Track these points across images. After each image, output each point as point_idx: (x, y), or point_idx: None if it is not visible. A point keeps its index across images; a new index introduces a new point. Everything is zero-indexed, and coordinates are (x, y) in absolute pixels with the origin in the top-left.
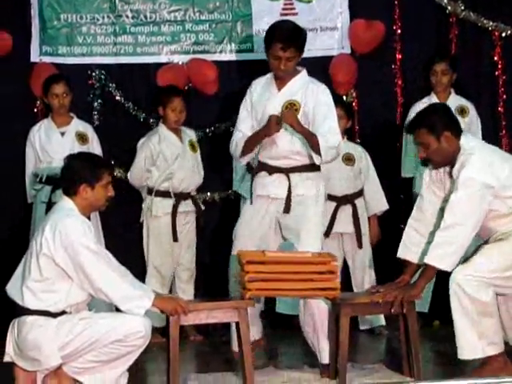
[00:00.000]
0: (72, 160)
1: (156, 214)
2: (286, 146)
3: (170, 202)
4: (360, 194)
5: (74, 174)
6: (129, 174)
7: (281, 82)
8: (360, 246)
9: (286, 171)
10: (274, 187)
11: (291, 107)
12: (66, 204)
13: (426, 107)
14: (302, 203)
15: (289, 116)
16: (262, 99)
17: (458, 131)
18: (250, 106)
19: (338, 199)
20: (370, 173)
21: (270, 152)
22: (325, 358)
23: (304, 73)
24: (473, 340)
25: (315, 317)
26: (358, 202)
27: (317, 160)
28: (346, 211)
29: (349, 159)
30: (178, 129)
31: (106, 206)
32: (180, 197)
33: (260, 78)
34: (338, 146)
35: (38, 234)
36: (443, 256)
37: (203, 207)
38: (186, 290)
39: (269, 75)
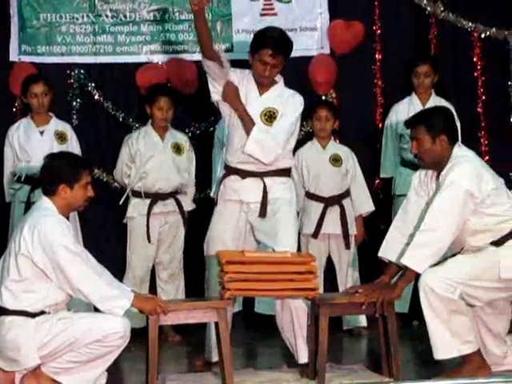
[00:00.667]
0: (51, 159)
1: (132, 215)
2: None
3: (146, 202)
4: (347, 194)
5: (53, 174)
6: (114, 170)
7: (262, 86)
8: (347, 246)
9: (260, 175)
10: (248, 192)
11: (271, 114)
12: (44, 204)
13: (432, 107)
14: (277, 206)
15: (229, 93)
16: (244, 98)
17: (454, 138)
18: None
19: (326, 200)
20: (356, 174)
21: (243, 156)
22: (303, 357)
23: (282, 82)
24: (446, 339)
25: (293, 317)
26: (345, 202)
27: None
28: (333, 212)
29: (336, 160)
30: (165, 129)
31: (84, 206)
32: (156, 197)
33: (247, 73)
34: (273, 151)
35: (17, 234)
36: (419, 258)
37: (193, 206)
38: (166, 290)
39: (250, 74)
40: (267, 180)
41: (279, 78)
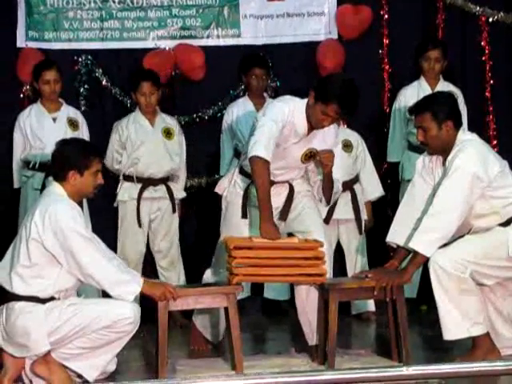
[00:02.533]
0: (63, 146)
1: (122, 199)
2: (292, 174)
3: (137, 186)
4: (357, 179)
5: (63, 160)
6: (105, 156)
7: (311, 126)
8: (360, 231)
9: (288, 181)
10: (275, 197)
11: (312, 155)
12: (55, 189)
13: (434, 93)
14: (299, 197)
15: (330, 159)
16: (292, 132)
17: (459, 123)
18: (286, 127)
19: None
20: (366, 159)
21: (273, 175)
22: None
23: None
24: (456, 320)
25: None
26: (356, 188)
27: (322, 201)
28: (345, 198)
29: (347, 145)
30: (154, 114)
31: (94, 193)
32: (148, 182)
33: (300, 106)
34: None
35: (28, 219)
36: (427, 242)
37: (184, 194)
38: (168, 278)
39: (303, 108)
40: (293, 182)
41: None
